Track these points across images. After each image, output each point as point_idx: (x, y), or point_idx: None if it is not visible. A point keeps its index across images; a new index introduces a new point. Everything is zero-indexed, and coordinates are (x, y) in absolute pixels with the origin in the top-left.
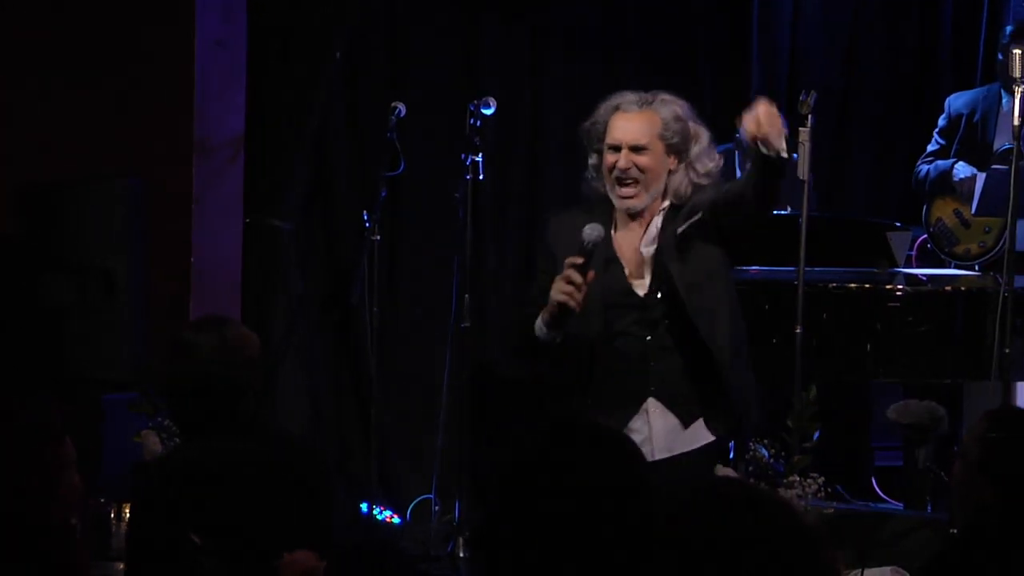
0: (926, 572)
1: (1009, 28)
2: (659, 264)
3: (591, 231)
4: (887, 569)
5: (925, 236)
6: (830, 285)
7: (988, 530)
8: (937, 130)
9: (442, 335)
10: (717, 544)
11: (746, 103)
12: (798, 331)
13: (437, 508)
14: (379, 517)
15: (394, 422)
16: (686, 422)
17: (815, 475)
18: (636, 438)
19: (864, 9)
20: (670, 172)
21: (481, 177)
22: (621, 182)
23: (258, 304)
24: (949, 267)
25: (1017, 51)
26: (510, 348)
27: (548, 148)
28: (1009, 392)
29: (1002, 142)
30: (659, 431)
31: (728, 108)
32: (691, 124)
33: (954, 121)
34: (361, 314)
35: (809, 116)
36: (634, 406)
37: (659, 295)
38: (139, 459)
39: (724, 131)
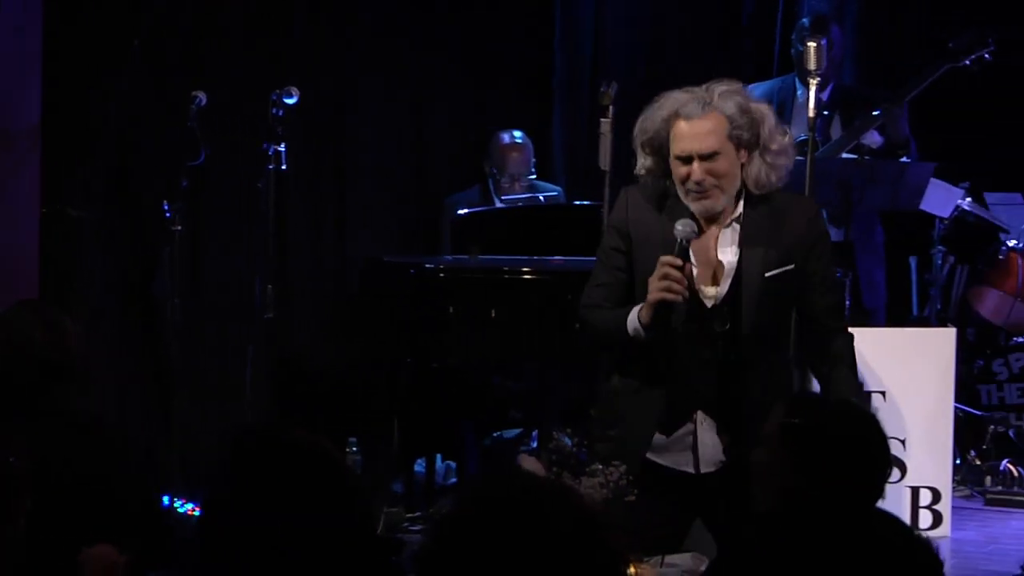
0: (725, 558)
1: (805, 20)
2: (736, 279)
3: (684, 227)
4: (687, 556)
5: None
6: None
7: (789, 515)
8: None
9: (246, 325)
10: (505, 538)
11: (548, 92)
12: None
13: None
14: (181, 510)
15: (197, 413)
16: (734, 439)
17: (617, 463)
18: (679, 447)
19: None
20: (743, 165)
21: (284, 167)
22: (697, 192)
23: (57, 295)
24: None
25: (811, 44)
26: (588, 338)
27: (352, 138)
28: (806, 378)
29: (797, 133)
30: (706, 445)
31: (530, 98)
32: (754, 108)
33: None
34: (163, 305)
35: (610, 107)
36: (684, 416)
37: (726, 308)
38: None
39: (525, 121)
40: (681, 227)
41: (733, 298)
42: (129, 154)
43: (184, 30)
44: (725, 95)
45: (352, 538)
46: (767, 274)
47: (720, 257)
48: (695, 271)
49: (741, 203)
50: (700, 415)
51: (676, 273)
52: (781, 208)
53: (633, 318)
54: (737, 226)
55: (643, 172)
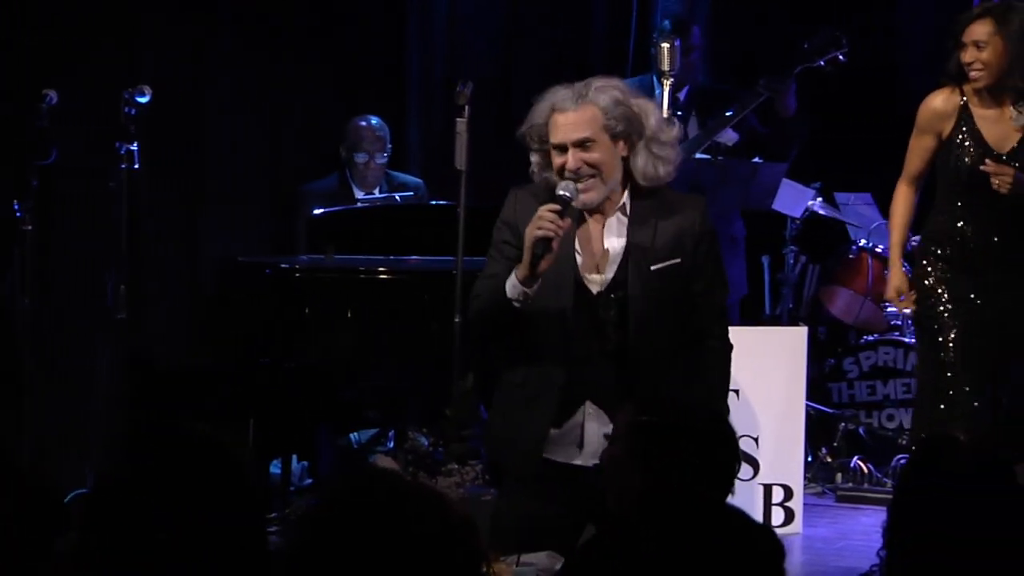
0: (577, 557)
1: (666, 22)
2: (623, 267)
3: (566, 184)
4: (543, 554)
5: None
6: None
7: (639, 513)
8: None
9: (98, 326)
10: (365, 538)
11: (404, 93)
12: (456, 320)
13: None
14: None
15: (49, 415)
16: None
17: (473, 462)
18: (566, 440)
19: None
20: (625, 158)
21: (137, 166)
22: (574, 181)
23: None
24: None
25: (665, 45)
26: (478, 325)
27: (206, 137)
28: None
29: None
30: (592, 437)
31: (385, 97)
32: (634, 102)
33: None
34: (13, 305)
35: (466, 106)
36: (571, 407)
37: (613, 296)
38: None
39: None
40: (563, 185)
41: (620, 286)
42: None
43: (34, 27)
44: (601, 89)
45: (245, 537)
46: (653, 267)
47: (606, 245)
48: (579, 260)
49: (626, 194)
50: (588, 405)
51: (550, 214)
52: (669, 203)
53: (511, 277)
54: (624, 217)
55: (535, 170)
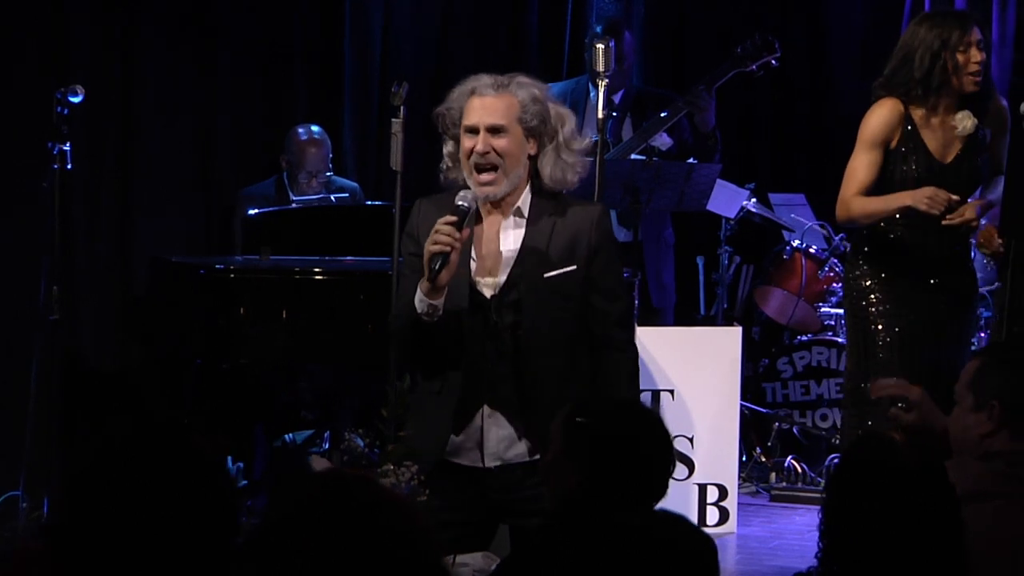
0: (512, 560)
1: (599, 27)
2: (516, 270)
3: (465, 194)
4: (478, 555)
5: None
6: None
7: (572, 514)
8: None
9: (30, 327)
10: (330, 538)
11: (340, 94)
12: None
13: (25, 505)
14: None
15: None
16: (522, 433)
17: (409, 463)
18: (468, 445)
19: (455, 1)
20: (532, 157)
21: (69, 166)
22: (480, 168)
23: None
24: None
25: (600, 46)
26: (399, 347)
27: (138, 137)
28: None
29: (589, 133)
30: (491, 439)
31: (322, 99)
32: (551, 106)
33: None
34: None
35: (402, 107)
36: (471, 409)
37: (505, 299)
38: None
39: (315, 120)
40: (462, 195)
41: (513, 289)
42: None
43: None
44: (522, 84)
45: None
46: (546, 275)
47: (501, 248)
48: (473, 265)
49: (526, 194)
50: (486, 408)
51: (447, 227)
52: (567, 209)
53: (418, 292)
54: (521, 219)
55: (447, 164)
